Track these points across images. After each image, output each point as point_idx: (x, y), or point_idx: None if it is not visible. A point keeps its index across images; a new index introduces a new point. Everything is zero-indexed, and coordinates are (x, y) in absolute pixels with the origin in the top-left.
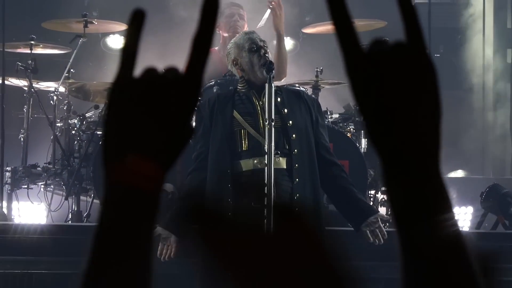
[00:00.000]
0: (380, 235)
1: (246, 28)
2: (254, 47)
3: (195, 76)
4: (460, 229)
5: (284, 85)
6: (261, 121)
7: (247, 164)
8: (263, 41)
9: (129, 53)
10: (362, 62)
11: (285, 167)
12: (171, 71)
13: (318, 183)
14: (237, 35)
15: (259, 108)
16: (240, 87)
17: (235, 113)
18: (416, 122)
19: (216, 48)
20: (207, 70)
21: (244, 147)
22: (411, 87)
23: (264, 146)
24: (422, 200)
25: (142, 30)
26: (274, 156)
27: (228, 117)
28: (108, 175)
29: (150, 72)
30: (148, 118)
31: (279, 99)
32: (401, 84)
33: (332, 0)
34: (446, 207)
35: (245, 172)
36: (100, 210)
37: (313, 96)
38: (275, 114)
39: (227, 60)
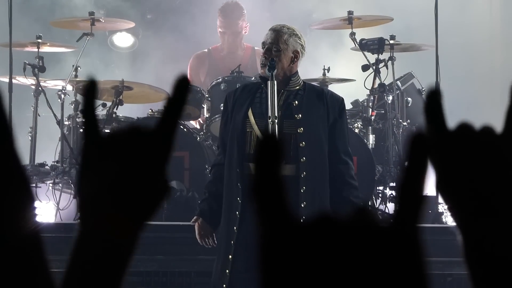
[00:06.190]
0: None
1: (243, 31)
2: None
3: (167, 136)
4: None
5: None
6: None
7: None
8: None
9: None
10: (444, 140)
11: (290, 174)
12: (143, 130)
13: (328, 192)
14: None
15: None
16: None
17: (250, 113)
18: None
19: (218, 45)
20: (209, 69)
21: (252, 149)
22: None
23: None
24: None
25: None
26: None
27: (242, 116)
28: (82, 226)
29: (123, 130)
30: (122, 175)
31: (296, 102)
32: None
33: (430, 106)
34: None
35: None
36: (71, 259)
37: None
38: (289, 119)
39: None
